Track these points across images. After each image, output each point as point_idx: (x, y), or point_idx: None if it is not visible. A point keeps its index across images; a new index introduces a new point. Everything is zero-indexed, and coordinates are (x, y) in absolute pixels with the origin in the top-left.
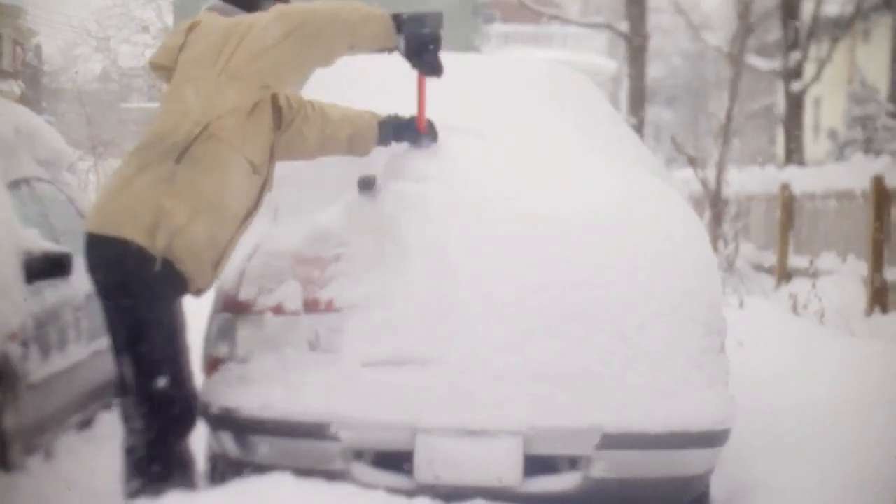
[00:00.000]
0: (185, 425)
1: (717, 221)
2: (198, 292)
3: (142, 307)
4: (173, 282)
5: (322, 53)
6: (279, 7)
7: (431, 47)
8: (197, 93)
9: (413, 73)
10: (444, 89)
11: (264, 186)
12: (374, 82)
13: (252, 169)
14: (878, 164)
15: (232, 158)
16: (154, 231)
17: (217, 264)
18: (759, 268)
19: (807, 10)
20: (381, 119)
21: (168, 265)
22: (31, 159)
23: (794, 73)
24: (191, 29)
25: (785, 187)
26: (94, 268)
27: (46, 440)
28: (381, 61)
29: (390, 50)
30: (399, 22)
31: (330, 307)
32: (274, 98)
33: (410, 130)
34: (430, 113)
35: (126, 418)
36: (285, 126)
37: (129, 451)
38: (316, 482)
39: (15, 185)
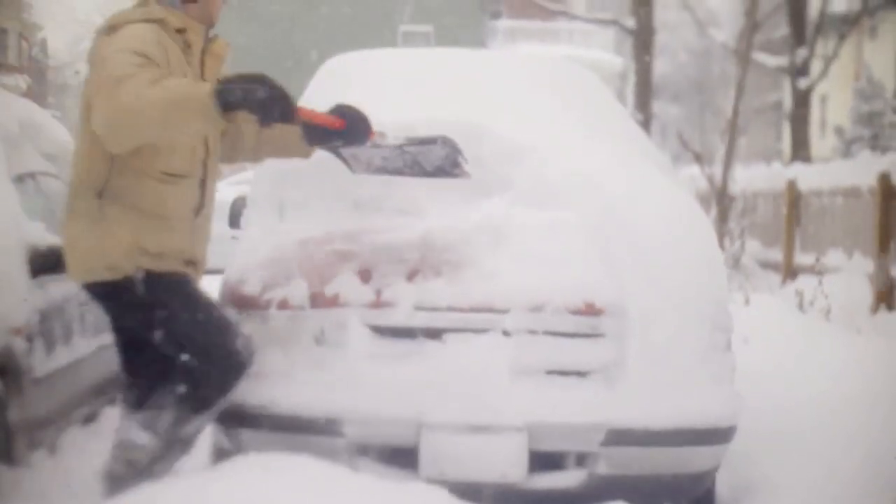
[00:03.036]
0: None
1: (722, 218)
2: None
3: (169, 307)
4: (160, 279)
5: (134, 141)
6: (115, 78)
7: (278, 108)
8: (92, 136)
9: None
10: (450, 85)
11: (205, 182)
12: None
13: (176, 178)
14: (885, 162)
15: (149, 181)
16: (115, 265)
17: (188, 262)
18: (764, 265)
19: (814, 6)
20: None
21: (149, 273)
22: (37, 154)
23: (801, 69)
24: (103, 33)
25: (791, 184)
26: (108, 312)
27: (51, 435)
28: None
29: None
30: (227, 98)
31: (335, 302)
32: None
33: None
34: (439, 109)
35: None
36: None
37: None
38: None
39: (20, 179)
